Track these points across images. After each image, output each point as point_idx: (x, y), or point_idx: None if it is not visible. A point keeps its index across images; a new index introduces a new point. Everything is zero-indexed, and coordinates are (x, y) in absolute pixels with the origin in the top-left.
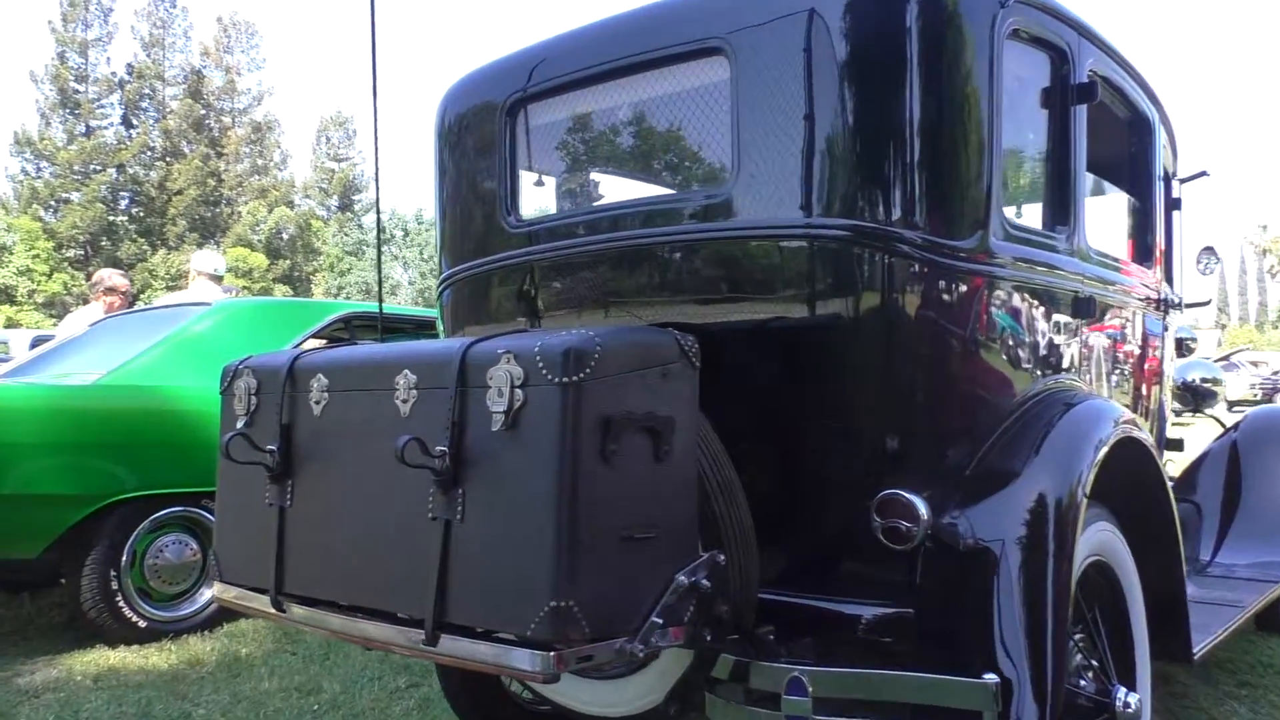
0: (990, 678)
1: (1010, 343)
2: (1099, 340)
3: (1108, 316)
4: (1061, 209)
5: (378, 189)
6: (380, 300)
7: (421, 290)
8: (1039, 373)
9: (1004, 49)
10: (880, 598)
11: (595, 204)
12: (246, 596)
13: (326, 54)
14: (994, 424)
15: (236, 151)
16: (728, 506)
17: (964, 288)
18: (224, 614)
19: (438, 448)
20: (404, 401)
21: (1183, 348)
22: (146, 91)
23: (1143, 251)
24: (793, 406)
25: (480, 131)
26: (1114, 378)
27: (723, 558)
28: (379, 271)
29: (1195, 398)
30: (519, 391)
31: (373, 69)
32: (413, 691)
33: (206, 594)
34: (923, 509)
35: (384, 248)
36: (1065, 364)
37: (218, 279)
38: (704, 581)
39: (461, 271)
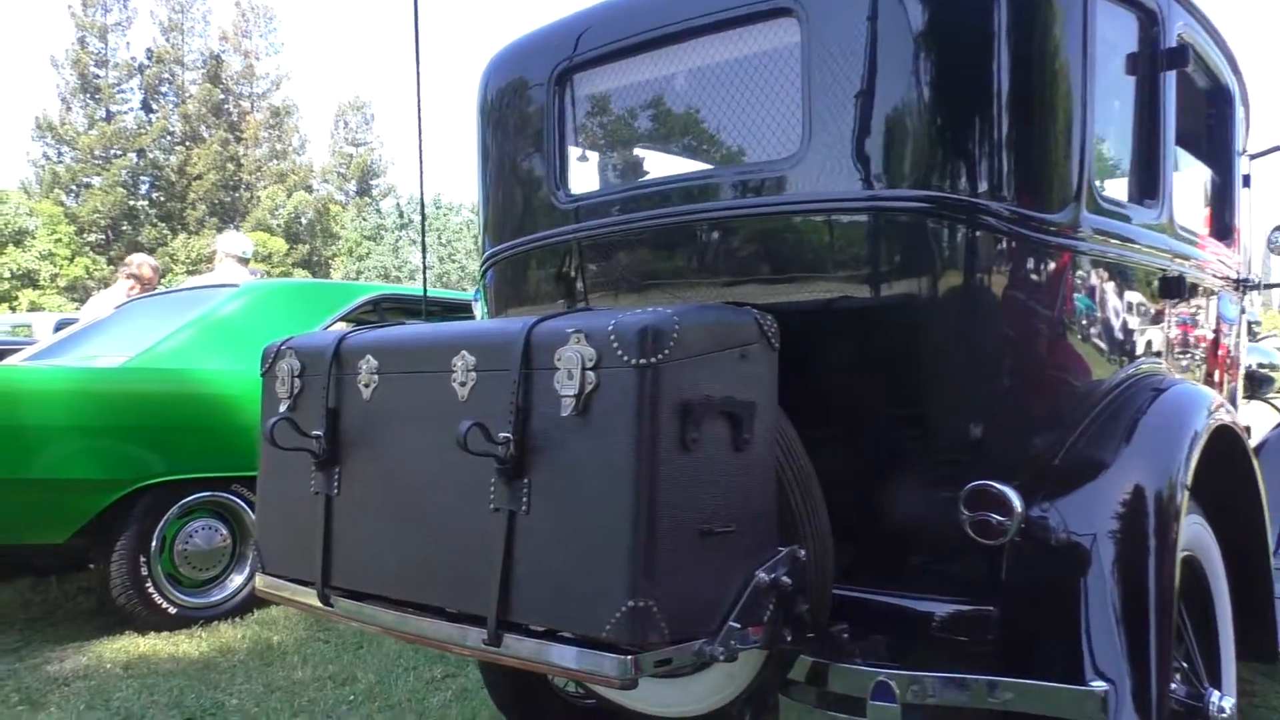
0: (1099, 685)
1: (1099, 324)
2: (1184, 322)
3: (1193, 297)
4: (1150, 182)
5: (421, 177)
6: (424, 283)
7: (440, 275)
8: (1127, 356)
9: (1096, 7)
10: (956, 594)
11: (650, 177)
12: (290, 589)
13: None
14: (1083, 411)
15: (255, 136)
16: (804, 498)
17: (1052, 264)
18: (255, 601)
19: (500, 434)
20: (461, 384)
21: (1250, 331)
22: (166, 76)
23: (1222, 229)
24: (867, 392)
25: (526, 104)
26: (1196, 361)
27: (803, 553)
28: (423, 254)
29: (1251, 384)
30: (590, 374)
31: (416, 60)
32: (449, 682)
33: (237, 580)
34: (1016, 502)
35: (401, 232)
36: (1153, 347)
37: (244, 262)
38: (784, 579)
39: (507, 250)
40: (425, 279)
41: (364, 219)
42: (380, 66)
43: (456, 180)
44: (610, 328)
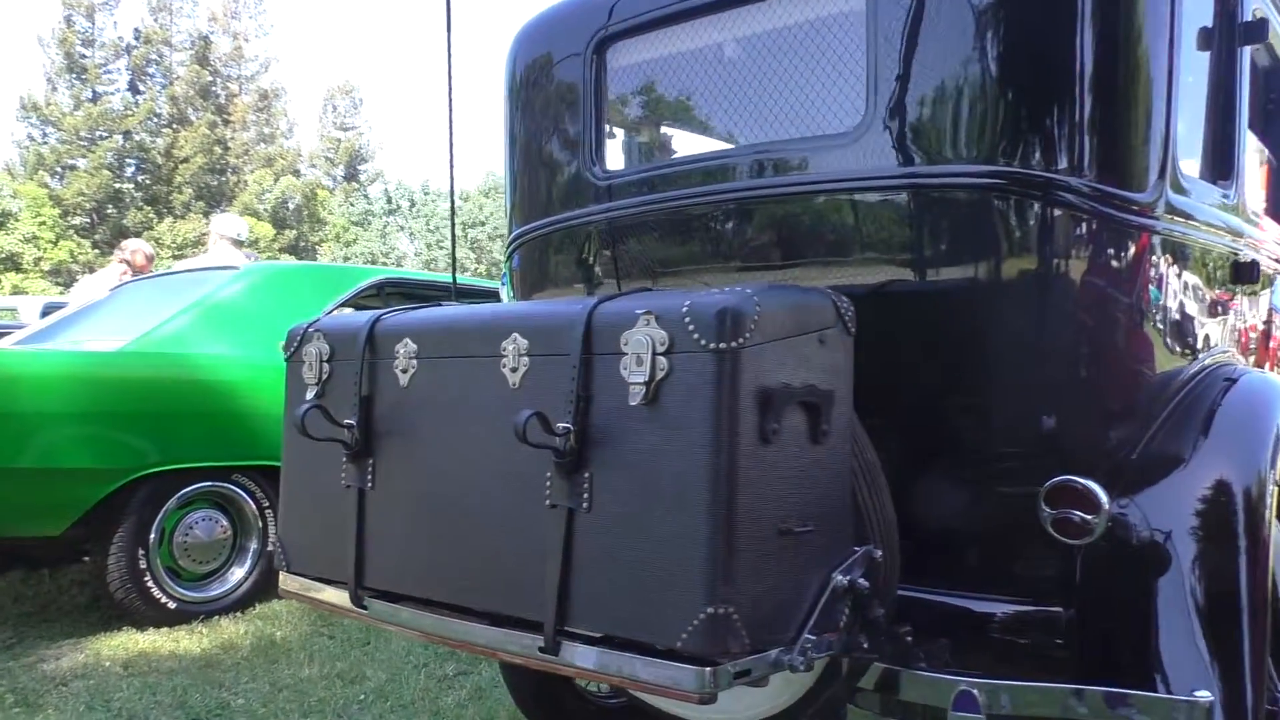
0: (1203, 695)
1: (1177, 311)
2: (1255, 309)
3: (1263, 283)
4: (1224, 162)
5: (451, 162)
6: (454, 269)
7: (428, 261)
8: (1202, 345)
9: None
10: (1022, 595)
11: (694, 153)
12: (317, 589)
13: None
14: (1161, 402)
15: (243, 119)
16: (872, 493)
17: (1132, 247)
18: (257, 594)
19: (560, 424)
20: (513, 370)
21: None
22: (153, 57)
23: (1278, 211)
24: (934, 381)
25: (561, 76)
26: (1255, 350)
27: (880, 553)
28: (453, 244)
29: None
30: (662, 359)
31: (448, 48)
32: (463, 680)
33: (238, 573)
34: (1103, 498)
35: (389, 218)
36: (1224, 336)
37: (240, 244)
38: (861, 581)
39: (537, 230)
40: (455, 263)
41: (351, 204)
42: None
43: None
44: (684, 309)
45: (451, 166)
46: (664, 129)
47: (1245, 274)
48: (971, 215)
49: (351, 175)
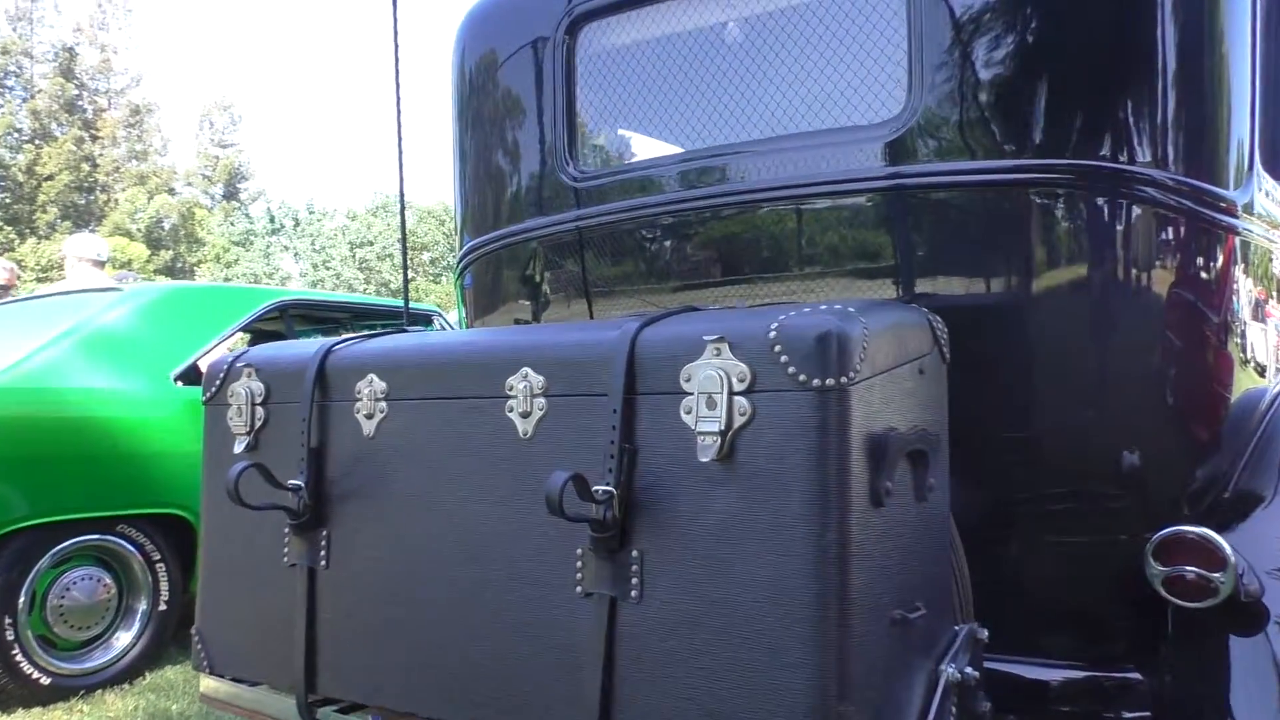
0: None
1: (1259, 325)
2: None
3: None
4: (1251, 164)
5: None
6: (405, 290)
7: (314, 281)
8: (1275, 365)
9: None
10: (1091, 659)
11: (689, 149)
12: (250, 697)
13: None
14: (1248, 432)
15: (113, 135)
16: (954, 554)
17: (1220, 251)
18: (146, 663)
19: (598, 488)
20: (524, 415)
21: None
22: (12, 68)
23: None
24: (993, 409)
25: (522, 64)
26: None
27: (985, 633)
28: (404, 255)
29: None
30: (742, 400)
31: (395, 61)
32: None
33: (124, 639)
34: (1228, 552)
35: (273, 238)
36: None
37: (100, 265)
38: (970, 670)
39: (496, 241)
40: (406, 286)
41: (232, 224)
42: (247, 65)
43: (329, 185)
44: (772, 333)
45: (401, 181)
46: (651, 122)
47: None
48: (1040, 216)
49: (231, 194)
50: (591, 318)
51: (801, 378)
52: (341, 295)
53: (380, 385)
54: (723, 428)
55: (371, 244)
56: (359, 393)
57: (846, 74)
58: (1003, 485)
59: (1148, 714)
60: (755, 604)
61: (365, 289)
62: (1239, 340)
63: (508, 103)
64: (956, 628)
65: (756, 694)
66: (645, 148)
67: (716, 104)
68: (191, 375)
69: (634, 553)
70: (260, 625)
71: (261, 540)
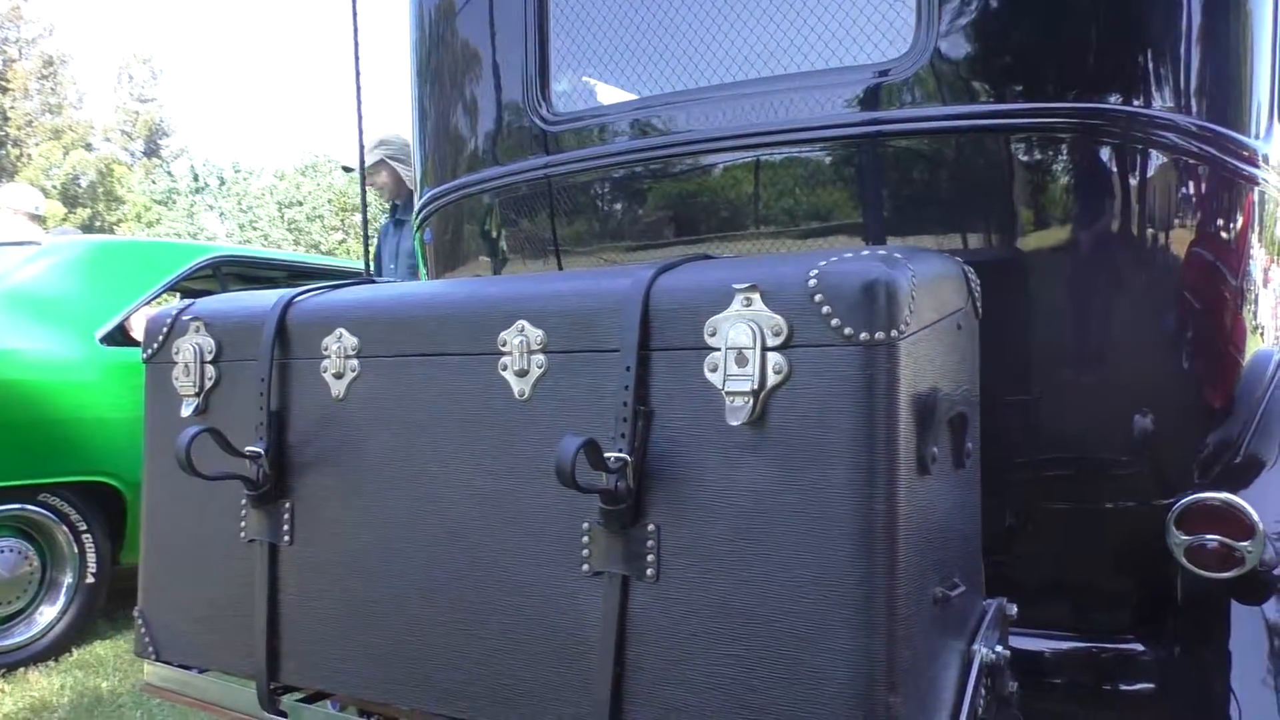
0: None
1: (1269, 285)
2: None
3: None
4: (1272, 113)
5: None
6: (365, 247)
7: (242, 242)
8: (1277, 326)
9: None
10: (1095, 630)
11: (673, 89)
12: (201, 685)
13: None
14: (1255, 397)
15: (24, 87)
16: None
17: (1240, 204)
18: (73, 638)
19: (610, 455)
20: (520, 374)
21: None
22: None
23: None
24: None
25: None
26: None
27: (1014, 609)
28: (364, 211)
29: None
30: (777, 357)
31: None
32: None
33: (48, 613)
34: (1256, 519)
35: (196, 197)
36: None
37: (38, 219)
38: (1001, 649)
39: (458, 190)
40: (366, 238)
41: (153, 182)
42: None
43: (256, 144)
44: (811, 280)
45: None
46: (634, 58)
47: None
48: (1056, 163)
49: (152, 151)
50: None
51: (847, 331)
52: (279, 253)
53: (351, 341)
54: (755, 387)
55: (301, 204)
56: (326, 349)
57: (854, 9)
58: (1003, 449)
59: (1151, 685)
60: (792, 584)
61: (295, 250)
62: (1253, 302)
63: (471, 40)
64: (985, 603)
65: (794, 684)
66: (628, 87)
67: (703, 39)
68: (118, 335)
69: (649, 527)
70: (214, 607)
71: (215, 513)
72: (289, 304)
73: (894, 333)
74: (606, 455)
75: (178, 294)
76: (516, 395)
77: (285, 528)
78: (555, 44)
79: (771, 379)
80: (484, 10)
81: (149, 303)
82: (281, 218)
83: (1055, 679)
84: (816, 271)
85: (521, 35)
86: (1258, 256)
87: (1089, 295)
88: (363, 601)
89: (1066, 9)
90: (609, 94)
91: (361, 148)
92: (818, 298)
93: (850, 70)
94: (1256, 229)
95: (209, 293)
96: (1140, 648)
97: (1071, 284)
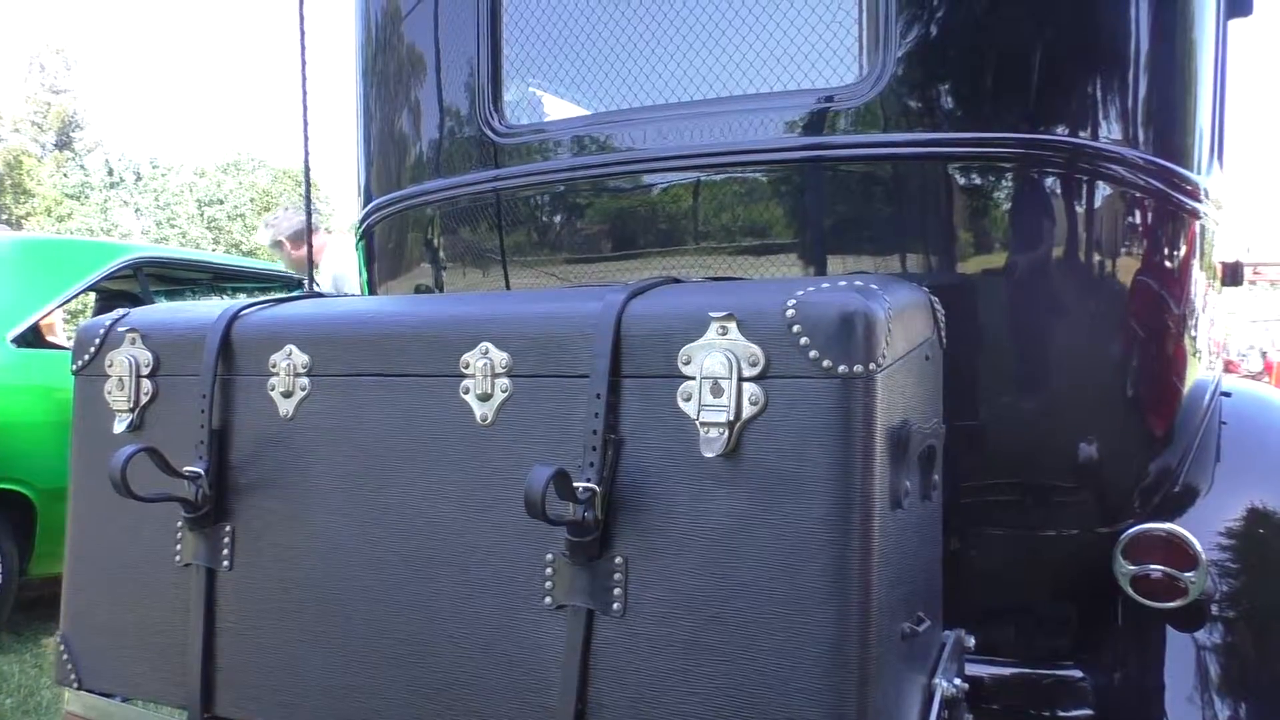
0: None
1: (1207, 315)
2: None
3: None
4: (1219, 148)
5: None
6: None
7: (158, 239)
8: (1211, 356)
9: None
10: (1035, 656)
11: (622, 106)
12: (128, 716)
13: None
14: (1193, 425)
15: None
16: None
17: (1184, 236)
18: None
19: (579, 485)
20: (482, 398)
21: None
22: None
23: None
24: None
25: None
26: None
27: (972, 640)
28: (308, 218)
29: None
30: (753, 387)
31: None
32: None
33: None
34: (1199, 549)
35: (111, 192)
36: (1213, 346)
37: None
38: (959, 681)
39: (402, 201)
40: (311, 248)
41: (65, 175)
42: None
43: (174, 139)
44: (789, 310)
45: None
46: (590, 73)
47: (1236, 276)
48: (1005, 192)
49: (64, 143)
50: (508, 288)
51: (825, 363)
52: (204, 255)
53: (301, 359)
54: (730, 418)
55: (222, 203)
56: (274, 367)
57: (811, 36)
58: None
59: (1089, 712)
60: (763, 620)
61: (215, 250)
62: (1193, 331)
63: (420, 47)
64: (944, 634)
65: (769, 715)
66: (581, 101)
67: (667, 55)
68: (31, 337)
69: (617, 559)
70: (144, 633)
71: (147, 535)
72: (234, 317)
73: (872, 365)
74: (575, 485)
75: (93, 295)
76: (478, 420)
77: (225, 552)
78: (508, 54)
79: (747, 410)
80: (434, 17)
81: (65, 304)
82: (201, 216)
83: (994, 704)
84: (794, 301)
85: (474, 44)
86: (1199, 288)
87: (1034, 322)
88: (307, 631)
89: (1020, 49)
90: (561, 108)
91: (307, 154)
92: (795, 328)
93: (799, 95)
94: (1198, 260)
95: (128, 295)
96: (1079, 674)
97: (1017, 311)
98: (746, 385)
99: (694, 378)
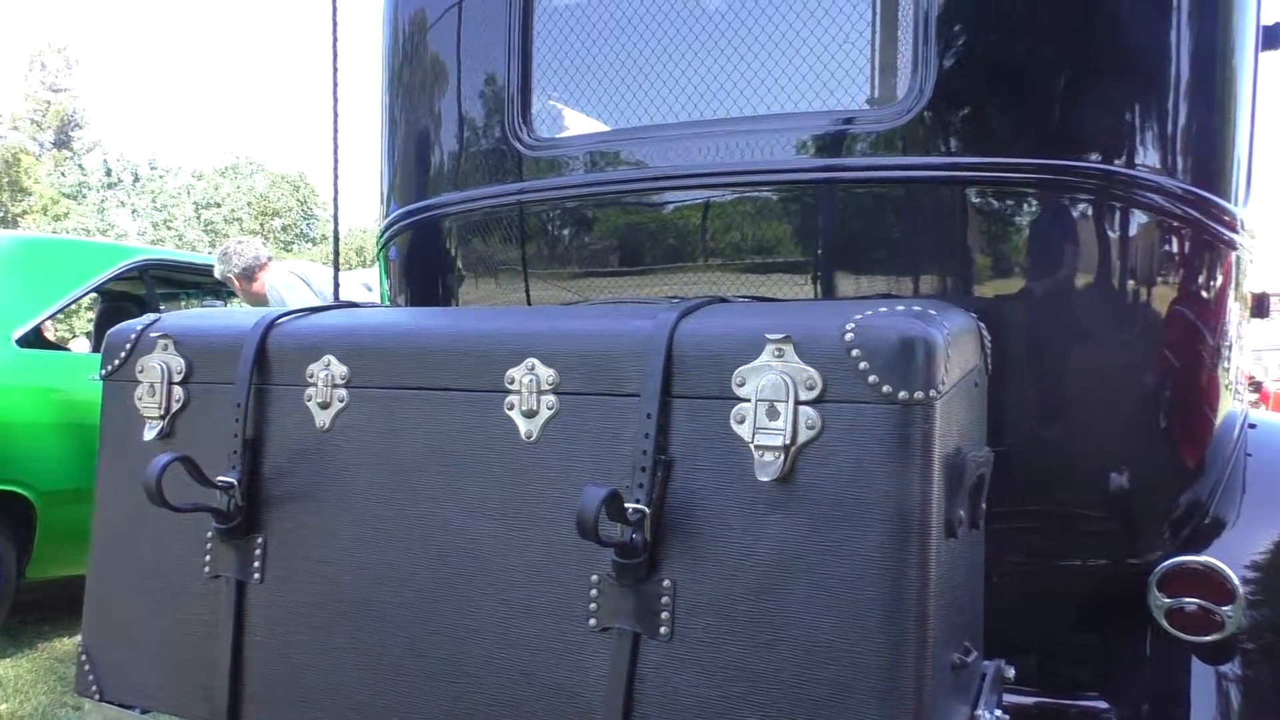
0: None
1: (1241, 346)
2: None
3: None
4: (1249, 180)
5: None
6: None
7: (154, 241)
8: (1239, 387)
9: None
10: (1060, 687)
11: (654, 121)
12: None
13: None
14: (1223, 457)
15: None
16: None
17: (1220, 267)
18: None
19: (629, 506)
20: (528, 414)
21: None
22: None
23: None
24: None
25: (470, 5)
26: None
27: (1012, 671)
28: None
29: None
30: (809, 411)
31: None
32: None
33: None
34: (1236, 582)
35: (108, 192)
36: (1240, 378)
37: None
38: (999, 714)
39: (429, 211)
40: (337, 257)
41: (63, 174)
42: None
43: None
44: (848, 334)
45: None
46: (620, 87)
47: (1262, 308)
48: (1043, 218)
49: (63, 142)
50: (529, 302)
51: (885, 389)
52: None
53: (340, 370)
54: (787, 442)
55: (219, 206)
56: (312, 377)
57: (851, 58)
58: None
59: None
60: (817, 649)
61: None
62: (1227, 364)
63: (447, 56)
64: (984, 664)
65: None
66: (611, 116)
67: (706, 71)
68: (35, 338)
69: (665, 582)
70: (169, 645)
71: (175, 545)
72: (271, 325)
73: (932, 392)
74: (625, 506)
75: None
76: (523, 437)
77: (256, 564)
78: (538, 65)
79: (803, 434)
80: (464, 27)
81: (70, 305)
82: (198, 219)
83: None
84: (853, 325)
85: (504, 55)
86: (1233, 319)
87: (1069, 350)
88: (340, 648)
89: (1063, 70)
90: (590, 121)
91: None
92: (854, 352)
93: (830, 115)
94: (1232, 292)
95: (133, 297)
96: (1104, 705)
97: (1051, 339)
98: (803, 409)
99: (748, 400)
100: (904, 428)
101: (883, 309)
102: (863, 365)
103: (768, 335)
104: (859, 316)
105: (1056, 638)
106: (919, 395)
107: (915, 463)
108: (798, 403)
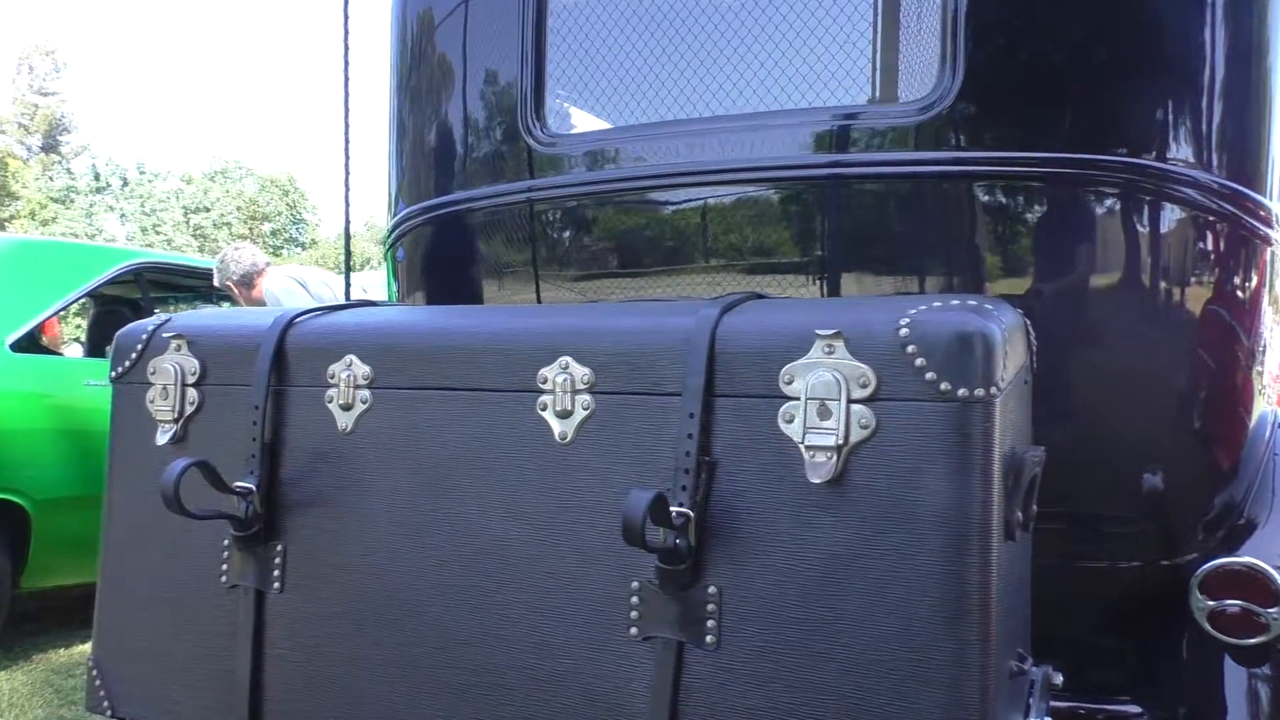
0: None
1: (1273, 346)
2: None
3: None
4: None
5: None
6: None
7: (143, 246)
8: (1271, 387)
9: None
10: (1076, 687)
11: (674, 117)
12: None
13: None
14: (1257, 457)
15: None
16: None
17: (1256, 263)
18: None
19: (673, 509)
20: (562, 415)
21: None
22: None
23: None
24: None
25: (481, 6)
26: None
27: (1060, 677)
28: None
29: None
30: (863, 410)
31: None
32: None
33: None
34: None
35: (97, 196)
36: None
37: None
38: None
39: (438, 209)
40: (349, 257)
41: (51, 178)
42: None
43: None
44: (902, 329)
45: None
46: (635, 82)
47: None
48: (1075, 214)
49: (51, 146)
50: (539, 300)
51: (943, 386)
52: (207, 262)
53: (362, 370)
54: (839, 441)
55: (208, 210)
56: (333, 378)
57: (879, 51)
58: None
59: None
60: (873, 658)
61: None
62: (1261, 363)
63: (457, 55)
64: (1034, 670)
65: None
66: (625, 112)
67: (724, 66)
68: (28, 342)
69: (710, 589)
70: (184, 658)
71: (189, 554)
72: (289, 324)
73: (992, 389)
74: (669, 509)
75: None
76: (557, 438)
77: (275, 573)
78: (552, 61)
79: (856, 433)
80: (475, 24)
81: (65, 309)
82: (187, 223)
83: None
84: (907, 320)
85: (517, 52)
86: (1267, 318)
87: (1103, 348)
88: (365, 659)
89: (1093, 63)
90: (605, 118)
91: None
92: (910, 348)
93: (862, 109)
94: (1267, 290)
95: (127, 301)
96: (1137, 709)
97: (1086, 336)
98: (855, 407)
99: (797, 398)
100: (964, 426)
101: (936, 304)
102: (919, 362)
103: (818, 331)
104: (913, 311)
105: (1088, 640)
106: (979, 392)
107: (976, 463)
108: (850, 401)
